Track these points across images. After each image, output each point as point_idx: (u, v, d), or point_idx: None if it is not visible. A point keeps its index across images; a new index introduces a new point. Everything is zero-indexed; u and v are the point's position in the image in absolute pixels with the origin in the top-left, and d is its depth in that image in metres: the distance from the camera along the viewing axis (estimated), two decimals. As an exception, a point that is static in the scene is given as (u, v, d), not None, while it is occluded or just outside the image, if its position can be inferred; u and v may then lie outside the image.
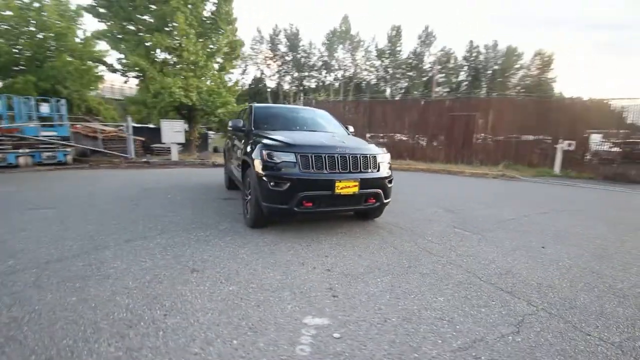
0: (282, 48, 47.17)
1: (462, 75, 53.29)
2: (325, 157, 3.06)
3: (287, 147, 3.07)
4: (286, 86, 48.57)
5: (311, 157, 3.04)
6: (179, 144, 11.07)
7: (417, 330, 1.79)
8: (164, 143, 11.05)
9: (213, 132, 20.42)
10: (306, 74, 48.43)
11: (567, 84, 64.37)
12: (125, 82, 15.21)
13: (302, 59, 47.38)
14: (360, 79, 48.59)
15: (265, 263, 2.54)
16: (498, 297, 2.20)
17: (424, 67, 51.58)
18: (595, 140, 9.93)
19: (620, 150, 9.34)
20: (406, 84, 51.46)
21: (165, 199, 5.10)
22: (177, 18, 11.66)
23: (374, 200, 3.22)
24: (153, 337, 1.66)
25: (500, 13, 78.73)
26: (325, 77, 49.01)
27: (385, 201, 3.34)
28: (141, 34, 12.65)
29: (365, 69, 47.60)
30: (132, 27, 12.87)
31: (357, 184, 3.11)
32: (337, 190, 3.04)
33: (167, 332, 1.68)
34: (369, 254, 2.83)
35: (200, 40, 13.10)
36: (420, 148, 13.66)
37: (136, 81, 14.31)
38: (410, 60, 50.60)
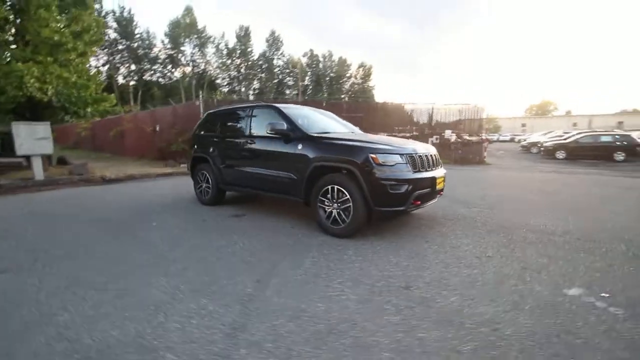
0: (112, 34, 39.16)
1: (307, 80, 58.92)
2: (423, 157, 3.46)
3: (393, 149, 3.31)
4: (121, 80, 40.82)
5: (416, 157, 3.35)
6: (44, 155, 8.03)
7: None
8: (18, 156, 7.75)
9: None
10: (147, 66, 42.13)
11: (382, 90, 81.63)
12: None
13: (141, 50, 40.91)
14: (213, 76, 46.31)
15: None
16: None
17: (275, 70, 54.15)
18: (447, 134, 13.78)
19: (460, 141, 13.44)
20: (259, 85, 52.70)
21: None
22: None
23: (442, 193, 3.87)
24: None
25: (326, 28, 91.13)
26: (172, 72, 44.11)
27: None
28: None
29: (218, 67, 45.70)
30: None
31: (443, 178, 3.66)
32: (437, 186, 3.54)
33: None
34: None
35: (64, 14, 9.64)
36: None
37: None
38: (261, 62, 52.04)
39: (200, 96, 11.95)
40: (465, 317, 1.91)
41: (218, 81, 46.33)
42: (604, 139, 15.66)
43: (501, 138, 44.22)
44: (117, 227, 3.90)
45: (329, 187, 3.42)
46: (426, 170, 3.44)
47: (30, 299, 2.17)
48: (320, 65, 59.35)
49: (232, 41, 49.15)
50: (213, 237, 3.48)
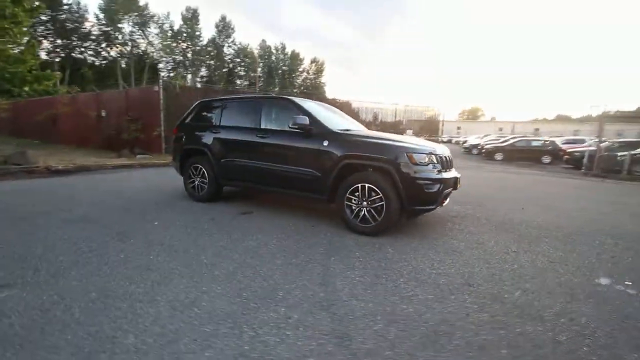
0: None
1: (259, 71, 57.25)
2: (444, 157, 3.56)
3: (425, 149, 3.34)
4: (43, 55, 35.32)
5: (442, 158, 3.43)
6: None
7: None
8: None
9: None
10: (78, 43, 37.11)
11: (332, 87, 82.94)
12: None
13: (69, 24, 35.86)
14: (155, 59, 42.54)
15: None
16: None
17: (225, 58, 51.65)
18: (409, 134, 14.57)
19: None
20: (207, 72, 49.83)
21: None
22: None
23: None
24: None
25: (279, 20, 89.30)
26: (108, 51, 39.45)
27: None
28: None
29: (161, 49, 42.05)
30: None
31: (459, 178, 3.82)
32: (458, 186, 3.68)
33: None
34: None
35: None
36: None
37: None
38: (210, 49, 49.21)
39: (160, 81, 10.89)
40: (540, 310, 2.05)
41: (161, 65, 42.57)
42: (534, 143, 17.95)
43: (439, 139, 47.91)
44: (114, 228, 3.40)
45: (359, 185, 3.38)
46: (446, 171, 3.58)
47: (63, 320, 1.79)
48: (273, 58, 58.14)
49: (178, 23, 45.58)
50: (236, 237, 3.23)
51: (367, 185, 3.34)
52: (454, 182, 3.58)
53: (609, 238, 3.63)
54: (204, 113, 4.82)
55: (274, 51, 58.06)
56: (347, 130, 3.84)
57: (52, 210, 4.01)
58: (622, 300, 2.23)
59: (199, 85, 41.06)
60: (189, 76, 46.63)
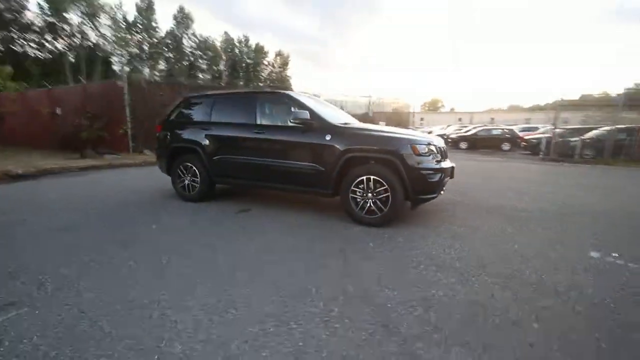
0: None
1: (222, 65, 55.38)
2: (441, 148, 3.70)
3: (425, 140, 3.43)
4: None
5: (439, 148, 3.57)
6: None
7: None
8: None
9: None
10: (17, 34, 33.55)
11: (298, 80, 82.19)
12: None
13: (7, 14, 32.30)
14: (108, 53, 39.63)
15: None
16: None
17: (186, 51, 49.31)
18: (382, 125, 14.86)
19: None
20: (166, 66, 47.34)
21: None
22: None
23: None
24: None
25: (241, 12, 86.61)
26: (54, 43, 36.07)
27: None
28: None
29: (115, 42, 39.21)
30: None
31: (454, 167, 3.94)
32: (453, 176, 3.85)
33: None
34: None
35: None
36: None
37: None
38: (169, 41, 46.71)
39: (125, 75, 10.19)
40: (552, 285, 2.24)
41: (115, 58, 39.72)
42: (495, 132, 19.10)
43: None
44: (109, 235, 3.18)
45: (364, 177, 3.44)
46: (444, 160, 3.74)
47: (94, 335, 1.67)
48: (237, 51, 56.42)
49: (132, 14, 42.67)
50: (244, 236, 3.16)
51: (372, 177, 3.40)
52: (451, 171, 3.75)
53: (585, 217, 4.00)
54: (192, 109, 4.61)
55: (237, 44, 56.31)
56: (347, 123, 3.87)
57: (29, 219, 3.67)
58: (615, 270, 2.49)
59: (157, 79, 38.88)
60: (147, 70, 43.93)
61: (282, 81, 60.23)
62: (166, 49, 46.73)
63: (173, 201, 4.53)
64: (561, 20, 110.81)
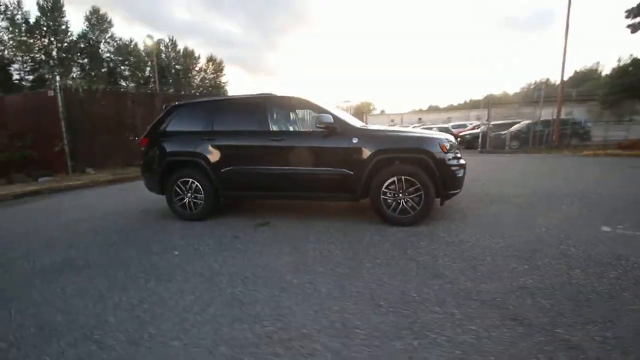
0: None
1: (148, 71, 51.04)
2: (456, 145, 3.88)
3: (447, 138, 3.55)
4: None
5: (456, 145, 3.76)
6: None
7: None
8: None
9: None
10: None
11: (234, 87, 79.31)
12: None
13: None
14: (5, 59, 33.74)
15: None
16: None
17: (103, 56, 44.32)
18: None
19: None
20: (82, 73, 41.99)
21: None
22: None
23: None
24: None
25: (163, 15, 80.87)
26: None
27: None
28: None
29: (14, 46, 33.52)
30: None
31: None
32: None
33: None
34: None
35: None
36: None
37: None
38: (83, 46, 41.51)
39: (57, 83, 8.76)
40: (588, 259, 2.50)
41: (16, 65, 33.96)
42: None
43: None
44: (129, 269, 2.70)
45: (395, 178, 3.47)
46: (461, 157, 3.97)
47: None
48: (163, 56, 52.48)
49: (35, 14, 36.87)
50: (287, 251, 2.96)
51: (403, 177, 3.44)
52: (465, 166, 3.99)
53: (573, 198, 4.55)
54: (187, 118, 4.15)
55: (163, 48, 52.43)
56: (365, 126, 3.87)
57: (17, 254, 2.93)
58: (626, 240, 2.88)
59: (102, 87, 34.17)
60: (58, 77, 38.32)
61: (217, 87, 57.76)
62: (80, 55, 41.39)
63: (172, 222, 4.03)
64: (464, 26, 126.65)
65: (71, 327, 1.88)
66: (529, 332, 1.67)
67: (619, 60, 19.83)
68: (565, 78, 14.76)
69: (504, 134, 14.93)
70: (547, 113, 14.97)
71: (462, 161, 3.70)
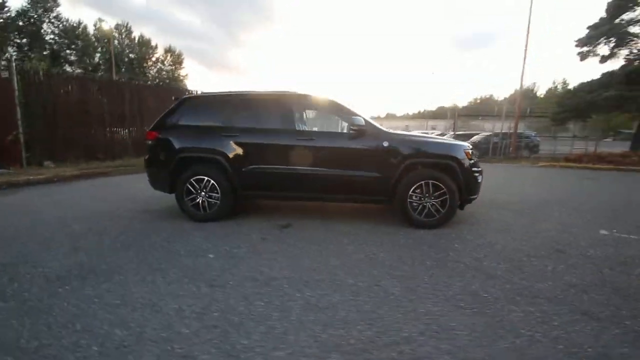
0: None
1: (98, 57, 46.95)
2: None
3: (467, 144, 3.72)
4: None
5: (475, 151, 3.96)
6: None
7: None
8: None
9: None
10: None
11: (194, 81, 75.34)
12: None
13: None
14: None
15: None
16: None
17: (45, 38, 39.86)
18: None
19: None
20: (18, 54, 37.33)
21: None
22: None
23: None
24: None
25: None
26: None
27: None
28: None
29: None
30: None
31: None
32: None
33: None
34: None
35: None
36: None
37: None
38: (22, 24, 36.98)
39: (13, 64, 7.70)
40: (597, 259, 2.81)
41: None
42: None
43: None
44: (168, 275, 2.47)
45: (422, 182, 3.58)
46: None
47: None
48: (116, 42, 48.54)
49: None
50: (326, 253, 2.92)
51: (430, 181, 3.57)
52: None
53: (559, 205, 5.02)
54: (203, 113, 3.90)
55: (117, 34, 48.59)
56: (392, 130, 3.95)
57: (28, 259, 2.52)
58: (627, 243, 3.27)
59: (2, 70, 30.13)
60: (14, 56, 33.64)
61: (175, 80, 54.73)
62: (18, 33, 36.80)
63: (180, 223, 3.76)
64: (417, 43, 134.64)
65: (142, 342, 1.67)
66: (604, 325, 1.82)
67: (554, 83, 22.49)
68: (507, 95, 16.34)
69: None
70: (490, 127, 16.40)
71: (480, 167, 3.93)
